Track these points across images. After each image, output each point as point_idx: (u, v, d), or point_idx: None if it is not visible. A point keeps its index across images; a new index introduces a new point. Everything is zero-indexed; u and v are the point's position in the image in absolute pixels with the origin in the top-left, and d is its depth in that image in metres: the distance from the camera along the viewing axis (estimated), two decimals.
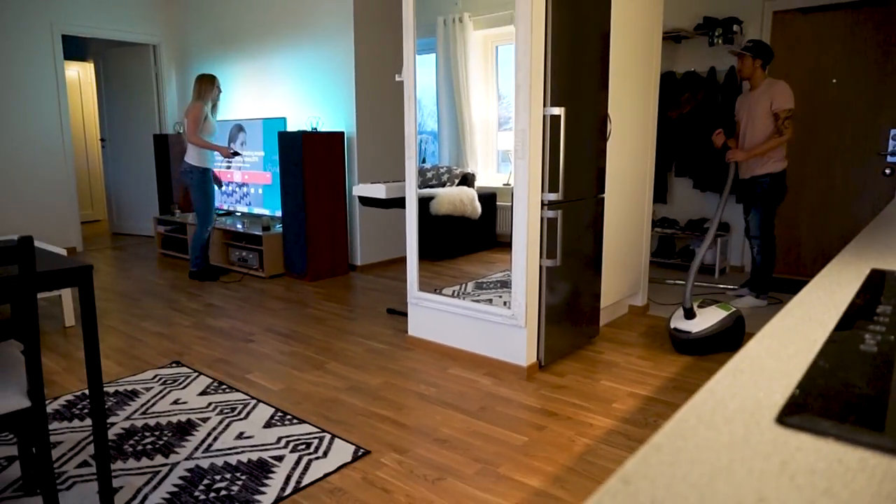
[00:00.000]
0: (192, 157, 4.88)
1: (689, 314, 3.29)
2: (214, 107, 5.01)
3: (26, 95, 5.81)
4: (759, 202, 3.98)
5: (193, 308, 4.29)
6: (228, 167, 5.81)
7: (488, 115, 3.43)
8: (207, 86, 4.91)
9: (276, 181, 5.35)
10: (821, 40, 4.68)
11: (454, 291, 3.36)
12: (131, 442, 2.40)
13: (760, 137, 3.92)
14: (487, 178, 3.49)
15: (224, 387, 2.94)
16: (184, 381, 3.01)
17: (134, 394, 2.86)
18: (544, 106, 2.91)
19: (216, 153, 4.95)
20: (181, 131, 5.13)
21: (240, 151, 4.97)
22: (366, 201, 4.14)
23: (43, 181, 5.97)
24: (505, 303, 3.10)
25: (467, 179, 3.53)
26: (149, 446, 2.36)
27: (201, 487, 2.08)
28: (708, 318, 3.27)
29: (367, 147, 5.30)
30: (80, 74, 8.27)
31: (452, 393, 2.86)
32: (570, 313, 3.26)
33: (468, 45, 3.35)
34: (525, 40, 2.79)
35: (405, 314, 3.75)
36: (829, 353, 0.69)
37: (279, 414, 2.64)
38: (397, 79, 3.42)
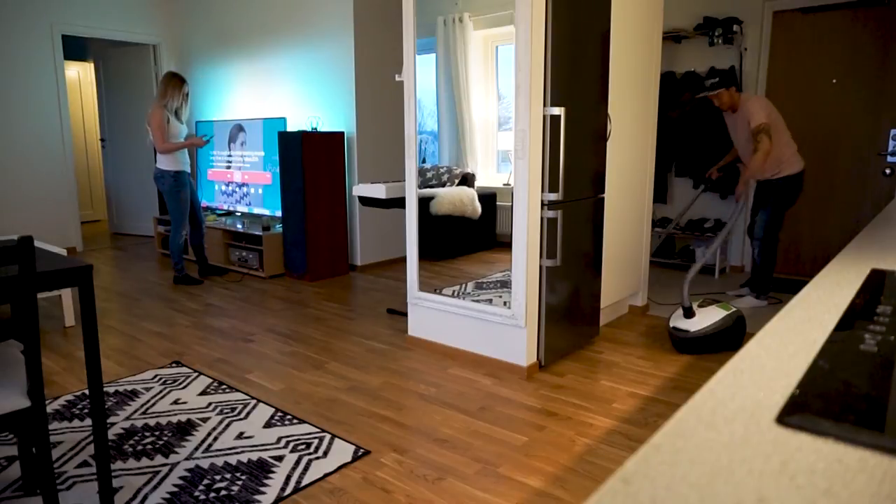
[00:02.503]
0: (163, 161, 4.67)
1: (689, 313, 3.29)
2: (178, 111, 4.73)
3: (26, 95, 5.81)
4: (770, 203, 3.98)
5: (193, 308, 4.29)
6: (228, 166, 5.81)
7: (488, 115, 3.43)
8: (173, 90, 4.65)
9: (276, 181, 5.35)
10: (821, 40, 4.68)
11: (454, 291, 3.36)
12: (131, 442, 2.40)
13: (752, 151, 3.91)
14: (487, 178, 3.49)
15: (224, 387, 2.94)
16: (184, 381, 3.01)
17: (134, 394, 2.86)
18: (544, 106, 2.91)
19: (186, 152, 4.76)
20: (148, 140, 4.64)
21: (207, 134, 4.75)
22: (366, 201, 4.14)
23: (43, 181, 5.97)
24: (505, 303, 3.10)
25: (467, 179, 3.53)
26: (149, 446, 2.36)
27: (201, 487, 2.08)
28: (707, 318, 3.27)
29: (367, 147, 5.30)
30: (80, 74, 8.27)
31: (452, 393, 2.86)
32: (570, 313, 3.26)
33: (468, 45, 3.35)
34: (525, 40, 2.79)
35: (405, 314, 3.75)
36: (829, 353, 0.69)
37: (279, 414, 2.64)
38: (397, 79, 3.42)
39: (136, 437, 2.43)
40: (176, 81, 4.69)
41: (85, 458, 2.27)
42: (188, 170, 4.80)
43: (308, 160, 4.85)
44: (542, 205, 3.00)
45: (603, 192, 3.38)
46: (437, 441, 2.41)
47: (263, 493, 2.04)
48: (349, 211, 5.33)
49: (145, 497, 2.02)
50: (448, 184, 3.53)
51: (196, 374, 3.10)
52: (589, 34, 3.13)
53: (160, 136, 4.60)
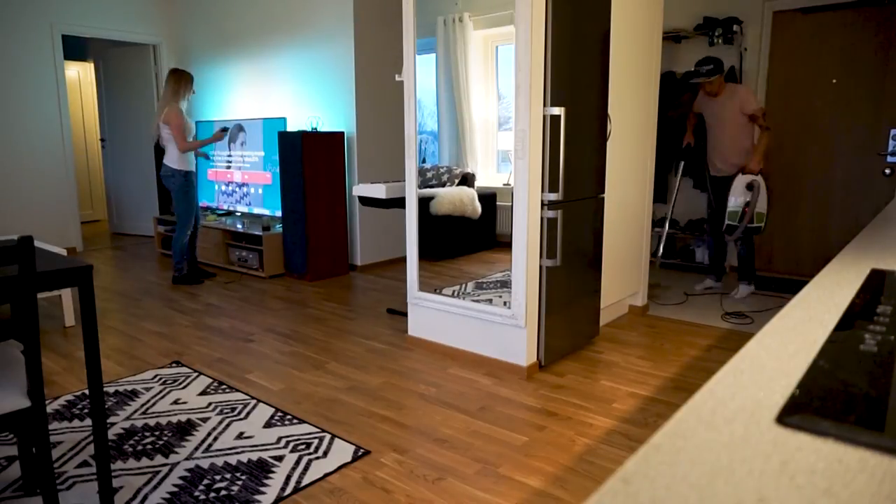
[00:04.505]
0: (173, 160, 4.62)
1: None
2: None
3: (26, 95, 5.81)
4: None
5: (193, 308, 4.29)
6: (228, 166, 5.81)
7: (488, 115, 3.43)
8: (186, 86, 4.66)
9: (276, 181, 5.34)
10: (821, 40, 4.68)
11: (454, 291, 3.36)
12: (131, 442, 2.40)
13: (740, 137, 4.12)
14: (487, 178, 3.49)
15: (224, 387, 2.93)
16: (184, 381, 3.01)
17: (134, 394, 2.86)
18: (544, 106, 2.91)
19: (194, 154, 4.77)
20: (161, 141, 4.69)
21: (227, 126, 4.85)
22: (366, 201, 4.14)
23: (43, 181, 5.97)
24: (505, 303, 3.10)
25: (467, 179, 3.53)
26: (149, 446, 2.36)
27: (201, 487, 2.08)
28: None
29: (367, 147, 5.30)
30: (80, 74, 8.27)
31: (452, 393, 2.86)
32: (570, 313, 3.26)
33: (468, 45, 3.35)
34: (525, 40, 2.79)
35: (405, 314, 3.75)
36: (829, 353, 0.69)
37: (279, 414, 2.64)
38: (397, 79, 3.42)
39: (136, 437, 2.43)
40: (187, 77, 4.70)
41: (85, 458, 2.27)
42: (195, 169, 4.82)
43: (308, 160, 4.85)
44: (542, 205, 3.00)
45: (603, 192, 3.38)
46: (437, 441, 2.41)
47: (263, 493, 2.04)
48: (349, 211, 5.33)
49: (145, 497, 2.02)
50: (448, 184, 3.53)
51: (196, 374, 3.09)
52: (589, 34, 3.12)
53: (181, 135, 4.59)
